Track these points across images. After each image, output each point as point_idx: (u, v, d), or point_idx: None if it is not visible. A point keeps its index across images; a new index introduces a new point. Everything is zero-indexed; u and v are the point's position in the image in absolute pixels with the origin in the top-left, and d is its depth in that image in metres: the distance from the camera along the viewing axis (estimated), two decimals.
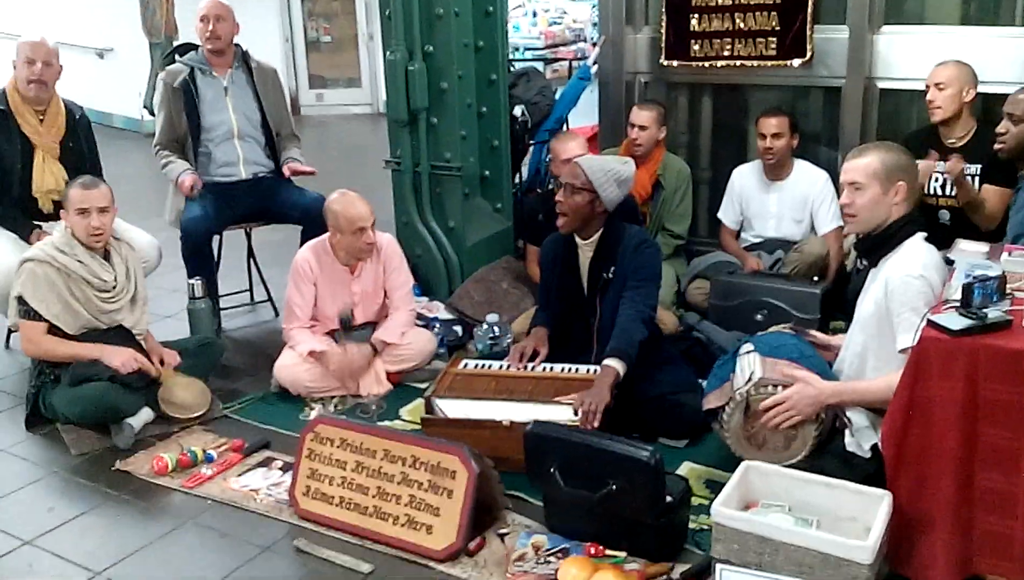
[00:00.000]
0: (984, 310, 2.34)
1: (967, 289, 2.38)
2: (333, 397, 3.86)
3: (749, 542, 2.29)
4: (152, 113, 10.39)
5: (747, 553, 2.29)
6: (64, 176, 4.21)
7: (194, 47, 4.62)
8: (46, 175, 4.22)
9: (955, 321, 2.32)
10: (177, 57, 4.65)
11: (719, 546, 2.34)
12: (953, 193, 3.88)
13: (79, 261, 3.60)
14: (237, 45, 4.56)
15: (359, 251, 3.89)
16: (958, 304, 2.40)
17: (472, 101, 4.65)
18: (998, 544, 2.35)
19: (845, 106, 4.64)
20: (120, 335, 3.73)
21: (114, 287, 3.70)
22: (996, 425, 2.28)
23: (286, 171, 4.56)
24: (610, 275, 3.54)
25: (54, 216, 4.13)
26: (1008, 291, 2.50)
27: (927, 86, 3.94)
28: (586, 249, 3.61)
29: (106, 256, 3.72)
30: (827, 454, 2.86)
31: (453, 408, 3.31)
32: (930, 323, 2.36)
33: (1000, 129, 3.58)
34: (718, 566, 2.31)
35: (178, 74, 4.44)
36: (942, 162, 3.86)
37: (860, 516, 2.39)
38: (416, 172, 4.63)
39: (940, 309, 2.45)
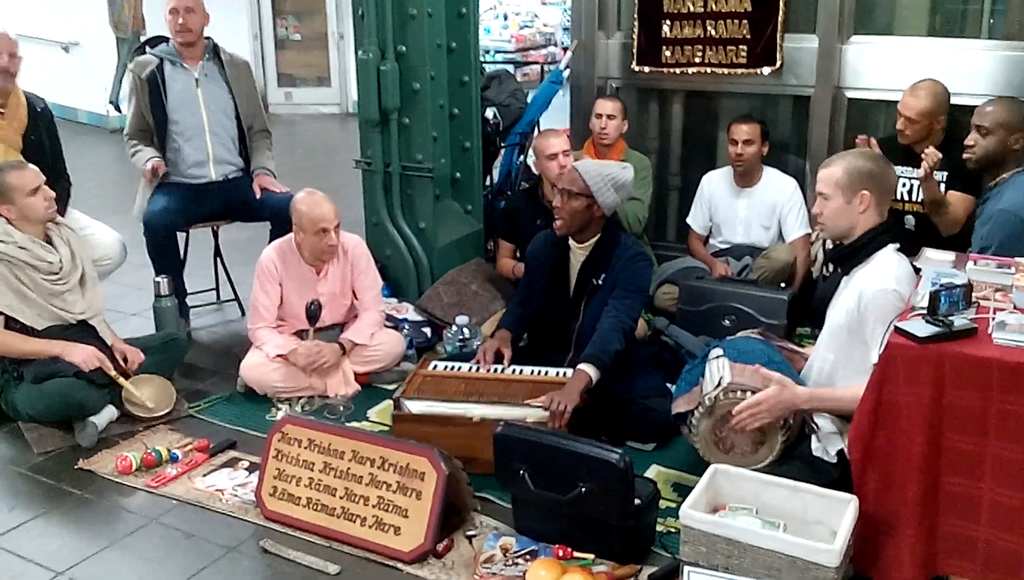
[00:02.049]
0: (950, 318, 2.38)
1: (934, 297, 2.42)
2: (300, 397, 3.83)
3: (717, 545, 2.30)
4: (118, 109, 10.32)
5: (715, 556, 2.31)
6: None
7: (165, 39, 4.57)
8: None
9: (922, 328, 2.35)
10: (148, 48, 4.60)
11: (687, 548, 2.35)
12: (919, 199, 3.94)
13: (21, 248, 3.55)
14: (208, 37, 4.50)
15: (321, 252, 3.86)
16: (925, 311, 2.43)
17: (444, 102, 4.64)
18: (962, 546, 2.39)
19: (814, 115, 4.69)
20: (83, 332, 3.69)
21: (61, 269, 3.65)
22: (960, 431, 2.32)
23: (256, 188, 4.50)
24: (599, 281, 3.55)
25: None
26: (974, 299, 2.54)
27: (899, 113, 3.97)
28: (579, 253, 3.61)
29: (47, 240, 3.68)
30: (794, 459, 2.88)
31: (422, 409, 3.30)
32: (897, 330, 2.39)
33: (968, 141, 3.63)
34: (686, 568, 2.32)
35: (147, 65, 4.39)
36: (909, 168, 3.91)
37: (826, 520, 2.41)
38: (387, 172, 4.61)
39: (907, 316, 2.48)
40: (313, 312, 3.83)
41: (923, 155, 3.69)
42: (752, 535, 2.29)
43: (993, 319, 2.39)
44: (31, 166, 3.65)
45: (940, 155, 3.71)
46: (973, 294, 2.55)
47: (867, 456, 2.43)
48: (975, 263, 2.84)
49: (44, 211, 3.60)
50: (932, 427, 2.33)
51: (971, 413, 2.30)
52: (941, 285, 2.45)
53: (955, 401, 2.31)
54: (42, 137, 4.31)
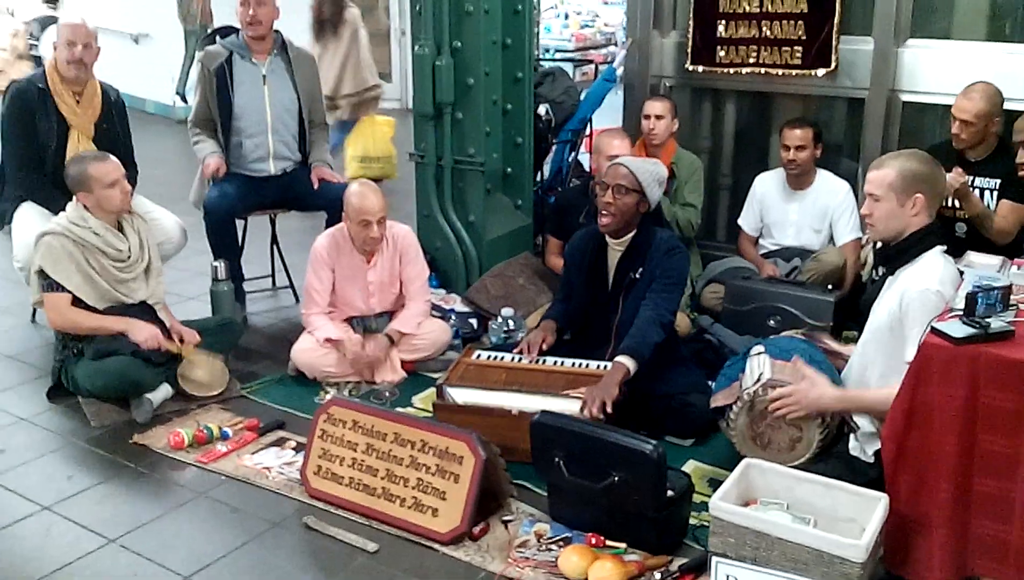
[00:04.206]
0: (987, 319, 2.37)
1: (971, 298, 2.42)
2: (348, 382, 3.93)
3: (745, 537, 2.33)
4: (184, 100, 10.58)
5: (743, 547, 2.34)
6: None
7: (235, 30, 4.67)
8: (74, 154, 4.33)
9: (958, 329, 2.35)
10: (218, 39, 4.71)
11: (716, 539, 2.39)
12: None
13: (95, 233, 3.71)
14: (277, 31, 4.58)
15: (364, 242, 3.94)
16: (962, 312, 2.43)
17: (497, 98, 4.71)
18: (994, 548, 2.38)
19: (868, 118, 4.67)
20: (143, 312, 3.82)
21: (129, 257, 3.80)
22: (994, 432, 2.32)
23: (314, 179, 4.59)
24: (637, 276, 3.58)
25: None
26: (1013, 302, 2.53)
27: (953, 117, 3.94)
28: (616, 248, 3.65)
29: (119, 228, 3.82)
30: (831, 457, 2.90)
31: (464, 397, 3.37)
32: (933, 330, 2.40)
33: (1020, 160, 3.59)
34: (714, 559, 2.35)
35: (216, 57, 4.47)
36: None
37: (858, 517, 2.42)
38: (439, 166, 4.70)
39: (944, 317, 2.48)
40: (368, 328, 3.98)
41: (949, 179, 3.67)
42: (780, 528, 2.32)
43: None
44: (112, 159, 3.79)
45: (965, 178, 3.70)
46: (1013, 297, 2.54)
47: (900, 455, 2.44)
48: (1019, 268, 2.82)
49: (120, 203, 3.76)
50: (966, 428, 2.34)
51: (1005, 414, 2.29)
52: (979, 287, 2.44)
53: (989, 402, 2.30)
54: (115, 126, 4.48)
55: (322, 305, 4.06)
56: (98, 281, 3.73)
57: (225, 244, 4.56)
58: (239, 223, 4.69)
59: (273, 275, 5.18)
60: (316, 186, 4.58)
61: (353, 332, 4.01)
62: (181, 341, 3.83)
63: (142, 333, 3.68)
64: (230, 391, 3.86)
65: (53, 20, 8.09)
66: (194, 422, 3.59)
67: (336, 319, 4.08)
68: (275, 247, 5.11)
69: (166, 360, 3.75)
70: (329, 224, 4.40)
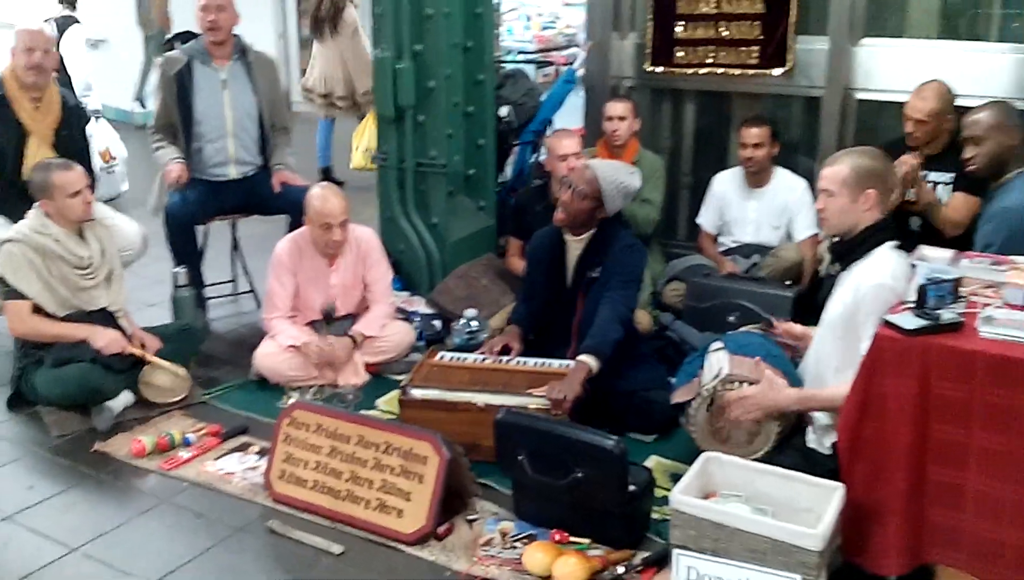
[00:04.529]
0: (938, 311, 2.43)
1: (922, 291, 2.47)
2: (311, 386, 3.92)
3: (705, 529, 2.37)
4: (143, 106, 10.49)
5: (703, 539, 2.37)
6: None
7: (194, 36, 4.66)
8: (38, 161, 4.28)
9: (909, 321, 2.40)
10: (177, 44, 4.69)
11: (677, 532, 2.42)
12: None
13: (56, 240, 3.68)
14: (237, 36, 4.57)
15: (326, 246, 3.95)
16: (914, 305, 2.49)
17: (459, 100, 4.73)
18: (948, 535, 2.43)
19: (824, 116, 4.73)
20: (104, 319, 3.80)
21: (90, 264, 3.78)
22: (946, 421, 2.37)
23: (275, 183, 4.58)
24: (596, 274, 3.62)
25: None
26: (963, 294, 2.59)
27: (906, 116, 4.02)
28: (575, 246, 3.68)
29: (81, 235, 3.79)
30: (789, 449, 2.94)
31: (428, 397, 3.38)
32: (886, 322, 2.45)
33: (967, 155, 3.66)
34: (675, 551, 2.39)
35: (176, 63, 4.46)
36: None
37: (815, 507, 2.46)
38: (401, 168, 4.71)
39: (897, 309, 2.53)
40: (329, 313, 3.93)
41: (899, 163, 3.74)
42: (739, 519, 2.36)
43: (981, 314, 2.44)
44: (78, 168, 3.76)
45: (916, 161, 3.77)
46: (964, 290, 2.60)
47: (855, 446, 2.48)
48: (970, 261, 2.88)
49: (82, 213, 3.74)
50: (918, 418, 2.38)
51: (956, 404, 2.34)
52: (929, 280, 2.49)
53: (941, 392, 2.35)
54: (73, 132, 4.45)
55: (284, 310, 4.05)
56: (59, 288, 3.71)
57: (186, 250, 4.55)
58: (200, 229, 4.67)
59: (235, 281, 5.16)
60: (278, 190, 4.57)
61: (316, 334, 4.01)
62: (143, 347, 3.81)
63: (103, 338, 3.66)
64: (192, 397, 3.84)
65: (72, 21, 8.12)
66: (156, 429, 3.57)
67: (299, 323, 4.08)
68: (236, 252, 5.09)
69: (127, 367, 3.72)
70: (291, 228, 4.40)
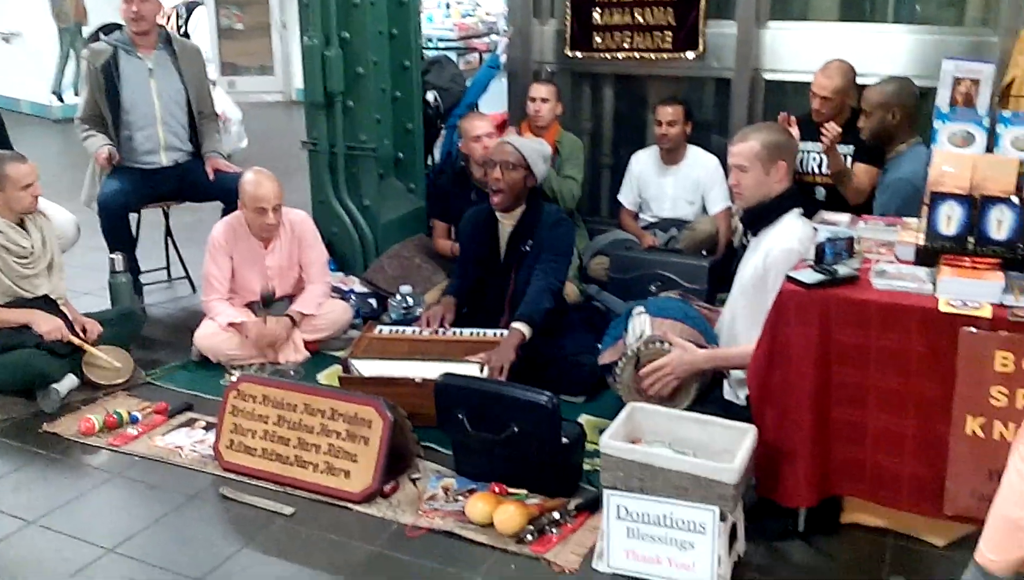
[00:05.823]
0: (835, 266, 2.68)
1: (820, 248, 2.72)
2: (252, 364, 4.02)
3: (633, 470, 2.58)
4: (60, 99, 10.35)
5: (631, 479, 2.59)
6: None
7: (118, 27, 4.71)
8: None
9: (809, 276, 2.65)
10: (102, 36, 4.73)
11: (607, 475, 2.63)
12: (828, 172, 4.26)
13: None
14: (160, 26, 4.66)
15: (260, 229, 4.06)
16: (813, 261, 2.74)
17: (387, 86, 4.88)
18: (851, 468, 2.70)
19: (734, 96, 4.99)
20: (45, 306, 3.86)
21: (32, 253, 3.84)
22: (846, 366, 2.62)
23: (209, 170, 4.67)
24: (527, 248, 3.83)
25: None
26: (859, 252, 2.85)
27: (812, 94, 4.29)
28: (507, 223, 3.88)
29: (22, 225, 3.85)
30: (708, 402, 3.17)
31: (369, 368, 3.54)
32: (788, 278, 2.69)
33: (860, 124, 3.97)
34: (605, 491, 2.60)
35: (101, 54, 4.52)
36: (818, 144, 4.23)
37: (731, 448, 2.69)
38: (332, 153, 4.84)
39: (799, 267, 2.78)
40: (268, 298, 4.05)
41: (824, 129, 4.02)
42: (663, 459, 2.57)
43: (874, 268, 2.70)
44: (29, 161, 3.82)
45: (840, 129, 4.05)
46: (859, 248, 2.87)
47: (764, 392, 2.73)
48: (865, 223, 3.16)
49: (29, 206, 3.81)
50: (821, 363, 2.64)
51: (854, 350, 2.60)
52: (827, 238, 2.75)
53: (840, 339, 2.61)
54: None
55: (222, 291, 4.15)
56: (1, 278, 3.76)
57: (121, 238, 4.61)
58: (132, 216, 4.73)
59: (168, 267, 5.23)
60: (212, 177, 4.66)
61: (254, 315, 4.12)
62: (84, 332, 3.89)
63: (46, 324, 3.73)
64: (135, 379, 3.93)
65: (197, 3, 8.05)
66: (103, 409, 3.65)
67: (236, 305, 4.19)
68: (169, 239, 5.16)
69: (70, 351, 3.80)
70: (225, 213, 4.48)
